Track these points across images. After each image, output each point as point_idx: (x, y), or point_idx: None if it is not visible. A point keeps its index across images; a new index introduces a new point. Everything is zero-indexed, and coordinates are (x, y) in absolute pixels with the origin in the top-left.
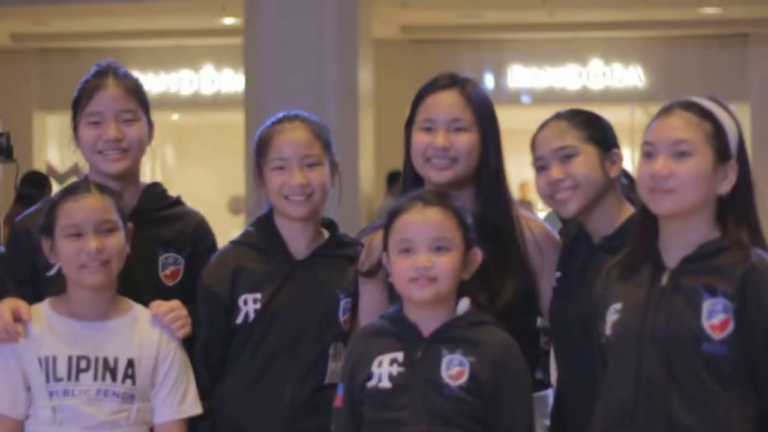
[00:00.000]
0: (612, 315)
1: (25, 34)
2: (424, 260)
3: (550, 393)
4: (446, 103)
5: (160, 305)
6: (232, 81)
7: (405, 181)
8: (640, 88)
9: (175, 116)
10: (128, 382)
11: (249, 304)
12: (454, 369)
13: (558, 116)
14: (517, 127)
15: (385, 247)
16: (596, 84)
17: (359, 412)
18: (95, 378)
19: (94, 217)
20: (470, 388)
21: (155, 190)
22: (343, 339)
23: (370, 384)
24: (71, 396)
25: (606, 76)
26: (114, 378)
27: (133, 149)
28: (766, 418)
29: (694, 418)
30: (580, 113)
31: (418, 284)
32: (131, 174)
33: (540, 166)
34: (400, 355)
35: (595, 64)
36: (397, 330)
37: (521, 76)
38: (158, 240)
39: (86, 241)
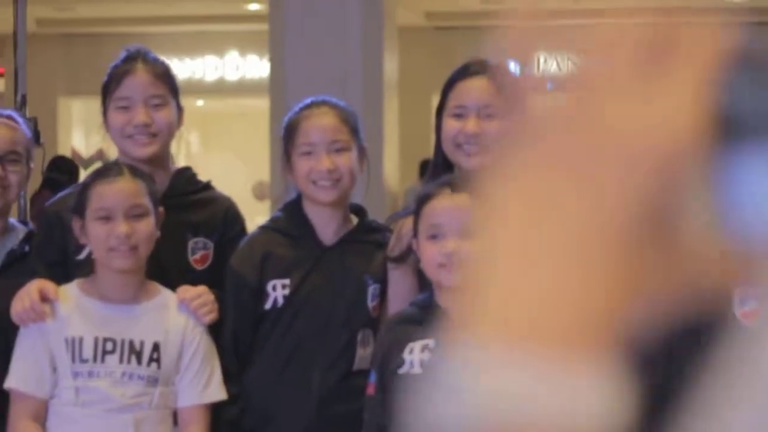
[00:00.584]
0: None
1: (50, 19)
2: (452, 246)
3: None
4: (477, 89)
5: (187, 290)
6: (256, 67)
7: (435, 167)
8: None
9: (199, 102)
10: (153, 365)
11: (278, 290)
12: None
13: None
14: None
15: (415, 233)
16: None
17: (392, 399)
18: (121, 360)
19: (125, 202)
20: None
21: (185, 174)
22: (371, 325)
23: (402, 371)
24: (96, 377)
25: None
26: (139, 361)
27: (162, 134)
28: None
29: None
30: None
31: (446, 270)
32: (161, 158)
33: None
34: (431, 342)
35: None
36: (426, 316)
37: (542, 60)
38: (188, 224)
39: (116, 225)
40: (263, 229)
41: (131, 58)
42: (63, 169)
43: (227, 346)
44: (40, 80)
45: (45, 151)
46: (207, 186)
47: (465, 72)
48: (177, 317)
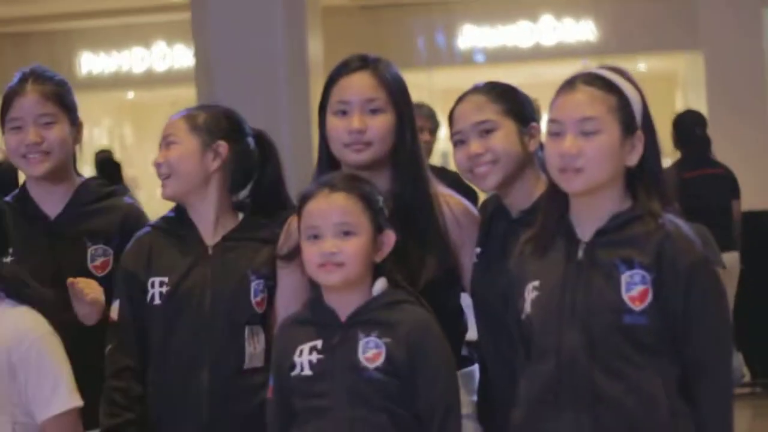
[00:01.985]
0: (531, 292)
1: None
2: (329, 246)
3: (476, 369)
4: (359, 84)
5: (78, 281)
6: (184, 57)
7: (320, 164)
8: (592, 41)
9: (130, 95)
10: None
11: (155, 287)
12: (371, 351)
13: (476, 90)
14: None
15: (299, 232)
16: (548, 40)
17: (290, 402)
18: None
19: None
20: (387, 370)
21: (89, 185)
22: (259, 321)
23: (294, 373)
24: None
25: (557, 31)
26: None
27: (55, 151)
28: (687, 384)
29: (618, 390)
30: (498, 86)
31: (325, 269)
32: (61, 173)
33: (458, 140)
34: (319, 343)
35: (546, 19)
36: (316, 317)
37: (473, 36)
38: (87, 232)
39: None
40: (151, 227)
41: (22, 80)
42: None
43: (127, 342)
44: None
45: None
46: (111, 194)
47: (346, 68)
48: (5, 336)
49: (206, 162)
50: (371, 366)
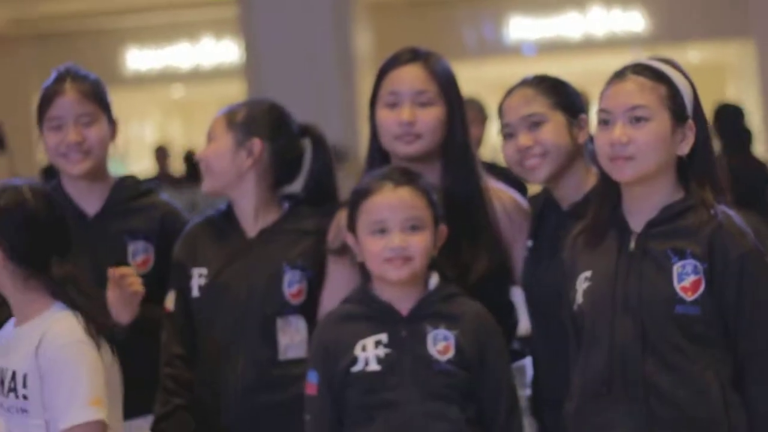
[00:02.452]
0: (582, 283)
1: (21, 19)
2: (399, 241)
3: (528, 362)
4: (410, 77)
5: (116, 270)
6: (231, 52)
7: (371, 157)
8: (641, 31)
9: (177, 90)
10: (11, 395)
11: (195, 279)
12: (440, 344)
13: (525, 83)
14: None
15: (350, 227)
16: (597, 30)
17: (342, 397)
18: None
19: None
20: (457, 361)
21: (125, 183)
22: (294, 312)
23: (356, 369)
24: None
25: (606, 22)
26: (3, 391)
27: (95, 150)
28: (740, 375)
29: (671, 381)
30: (547, 79)
31: (393, 265)
32: (97, 172)
33: (507, 133)
34: (384, 336)
35: (595, 10)
36: (372, 312)
37: (522, 28)
38: (127, 230)
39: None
40: (203, 219)
41: (60, 79)
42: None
43: (178, 330)
44: (12, 83)
45: (13, 156)
46: (148, 191)
47: (396, 61)
48: (33, 340)
49: (239, 160)
50: (443, 359)
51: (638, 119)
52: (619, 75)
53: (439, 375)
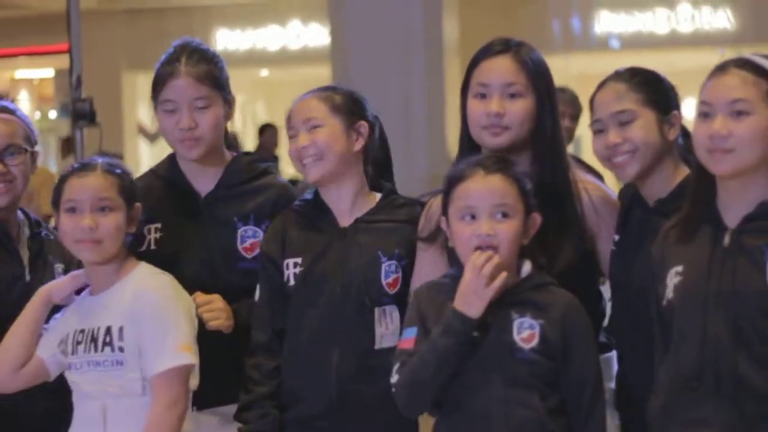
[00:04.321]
0: (673, 278)
1: None
2: (486, 228)
3: (614, 356)
4: (500, 68)
5: (198, 296)
6: (319, 35)
7: (462, 146)
8: (729, 30)
9: (264, 72)
10: (107, 349)
11: (290, 269)
12: (525, 332)
13: (617, 76)
14: (607, 73)
15: (444, 212)
16: (685, 27)
17: None
18: (85, 350)
19: (92, 195)
20: (542, 350)
21: (239, 162)
22: (390, 303)
23: None
24: (74, 369)
25: (694, 19)
26: (96, 348)
27: (206, 137)
28: None
29: (763, 378)
30: (640, 74)
31: (480, 250)
32: (212, 154)
33: (598, 129)
34: None
35: (684, 6)
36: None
37: (609, 22)
38: (238, 213)
39: (81, 218)
40: (290, 209)
41: (175, 58)
42: None
43: (263, 320)
44: (103, 56)
45: (103, 130)
46: (264, 172)
47: (488, 51)
48: (127, 295)
49: (351, 142)
50: (527, 347)
51: (739, 113)
52: (721, 68)
53: (522, 363)
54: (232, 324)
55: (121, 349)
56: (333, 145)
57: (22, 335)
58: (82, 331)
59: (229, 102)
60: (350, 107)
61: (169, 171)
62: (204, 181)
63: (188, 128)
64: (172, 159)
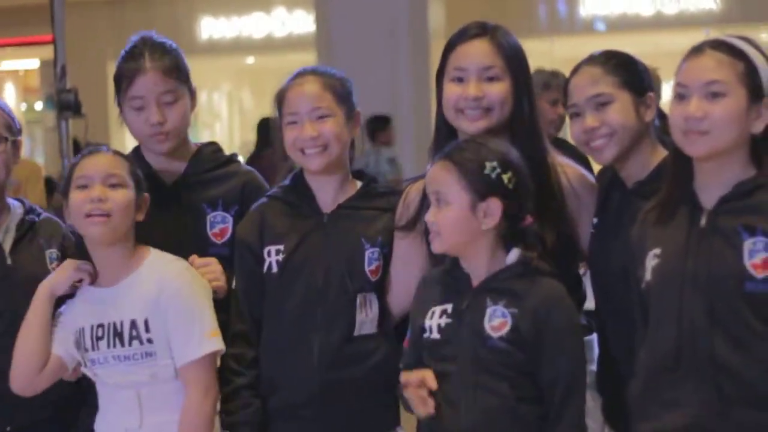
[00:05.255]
0: (651, 260)
1: None
2: (430, 217)
3: (594, 338)
4: (477, 51)
5: (194, 259)
6: (304, 23)
7: (438, 132)
8: (714, 10)
9: (249, 60)
10: (135, 343)
11: (272, 255)
12: (497, 320)
13: (591, 60)
14: None
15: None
16: (670, 9)
17: (422, 358)
18: (108, 345)
19: (103, 171)
20: (511, 339)
21: (205, 152)
22: (371, 290)
23: (425, 336)
24: (97, 364)
25: (680, 0)
26: (122, 343)
27: (175, 131)
28: None
29: (740, 360)
30: (614, 57)
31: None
32: (179, 146)
33: (574, 113)
34: (449, 307)
35: None
36: (450, 280)
37: (594, 4)
38: (206, 199)
39: (91, 191)
40: (268, 197)
41: (138, 53)
42: None
43: (241, 309)
44: (87, 47)
45: (88, 122)
46: (230, 160)
47: (464, 35)
48: (149, 287)
49: (351, 131)
50: (495, 335)
51: (714, 94)
52: (697, 50)
53: (491, 350)
54: (226, 288)
55: (150, 341)
56: (339, 135)
57: (36, 336)
58: (101, 325)
59: (192, 92)
60: (349, 96)
61: (134, 159)
62: (170, 171)
63: (158, 123)
64: (137, 151)
